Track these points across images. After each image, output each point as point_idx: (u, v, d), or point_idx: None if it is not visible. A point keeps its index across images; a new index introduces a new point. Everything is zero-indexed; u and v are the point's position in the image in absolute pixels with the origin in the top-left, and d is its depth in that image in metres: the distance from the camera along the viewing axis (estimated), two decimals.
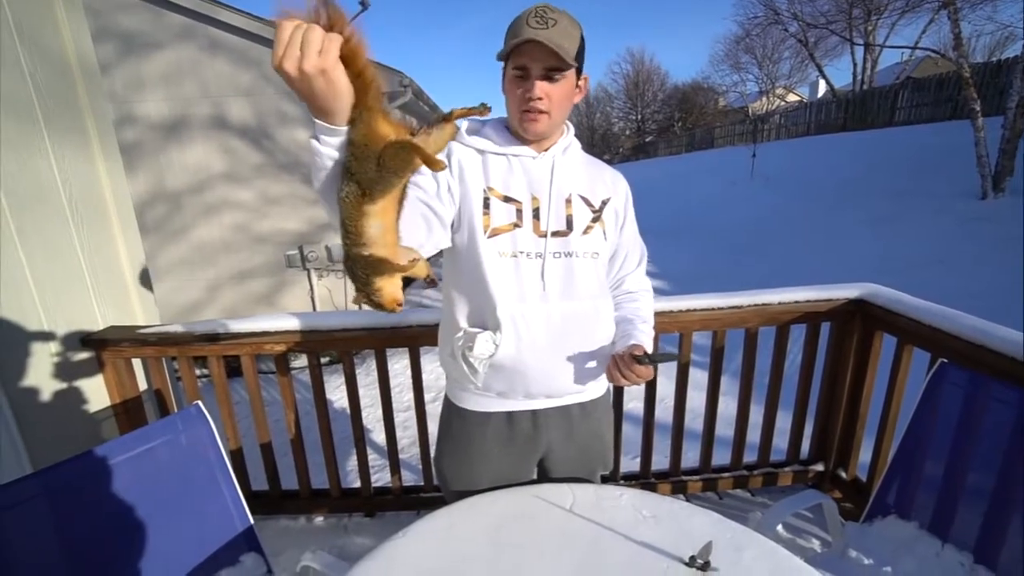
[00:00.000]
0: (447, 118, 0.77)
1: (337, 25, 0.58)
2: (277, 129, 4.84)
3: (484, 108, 0.80)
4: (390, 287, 0.78)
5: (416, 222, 0.84)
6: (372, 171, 0.66)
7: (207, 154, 4.82)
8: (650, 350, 1.03)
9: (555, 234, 0.98)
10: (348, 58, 0.60)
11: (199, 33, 4.55)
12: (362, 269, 0.74)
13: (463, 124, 1.04)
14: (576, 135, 1.07)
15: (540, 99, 0.91)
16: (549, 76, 0.90)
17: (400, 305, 0.80)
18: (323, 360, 1.82)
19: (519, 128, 0.96)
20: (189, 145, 4.80)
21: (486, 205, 0.95)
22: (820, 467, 1.98)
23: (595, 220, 1.01)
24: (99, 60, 1.78)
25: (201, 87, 4.68)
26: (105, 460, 1.11)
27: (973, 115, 6.57)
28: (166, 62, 4.61)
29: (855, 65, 17.31)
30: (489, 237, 0.94)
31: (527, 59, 0.89)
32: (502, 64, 0.96)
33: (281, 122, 4.83)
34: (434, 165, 0.67)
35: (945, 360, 1.30)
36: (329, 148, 0.66)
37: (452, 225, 0.97)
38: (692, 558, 0.82)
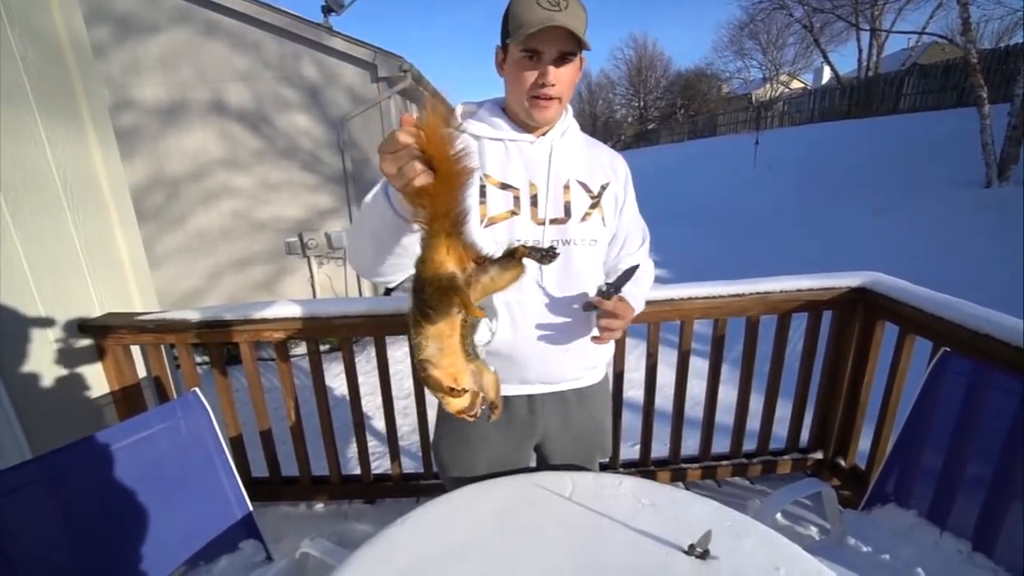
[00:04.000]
0: (514, 255, 0.75)
1: (427, 149, 0.61)
2: (276, 114, 4.79)
3: (554, 254, 0.77)
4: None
5: None
6: (418, 298, 0.70)
7: (205, 140, 4.78)
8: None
9: (553, 222, 0.95)
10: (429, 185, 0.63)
11: (195, 16, 4.49)
12: (422, 376, 0.78)
13: (458, 109, 1.01)
14: (578, 122, 1.05)
15: (554, 85, 0.88)
16: (562, 60, 0.88)
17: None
18: (323, 347, 1.81)
19: (526, 114, 0.93)
20: (187, 131, 4.75)
21: (482, 193, 0.92)
22: (819, 455, 1.99)
23: (593, 207, 0.99)
24: (93, 43, 1.74)
25: (198, 71, 4.62)
26: (104, 446, 1.11)
27: (979, 102, 6.49)
28: (162, 45, 4.55)
29: (860, 51, 17.09)
30: (486, 227, 0.92)
31: (541, 42, 0.85)
32: (500, 41, 0.92)
33: (280, 107, 4.77)
34: (472, 313, 0.68)
35: (948, 349, 1.29)
36: (380, 205, 0.75)
37: None
38: (691, 546, 0.82)
